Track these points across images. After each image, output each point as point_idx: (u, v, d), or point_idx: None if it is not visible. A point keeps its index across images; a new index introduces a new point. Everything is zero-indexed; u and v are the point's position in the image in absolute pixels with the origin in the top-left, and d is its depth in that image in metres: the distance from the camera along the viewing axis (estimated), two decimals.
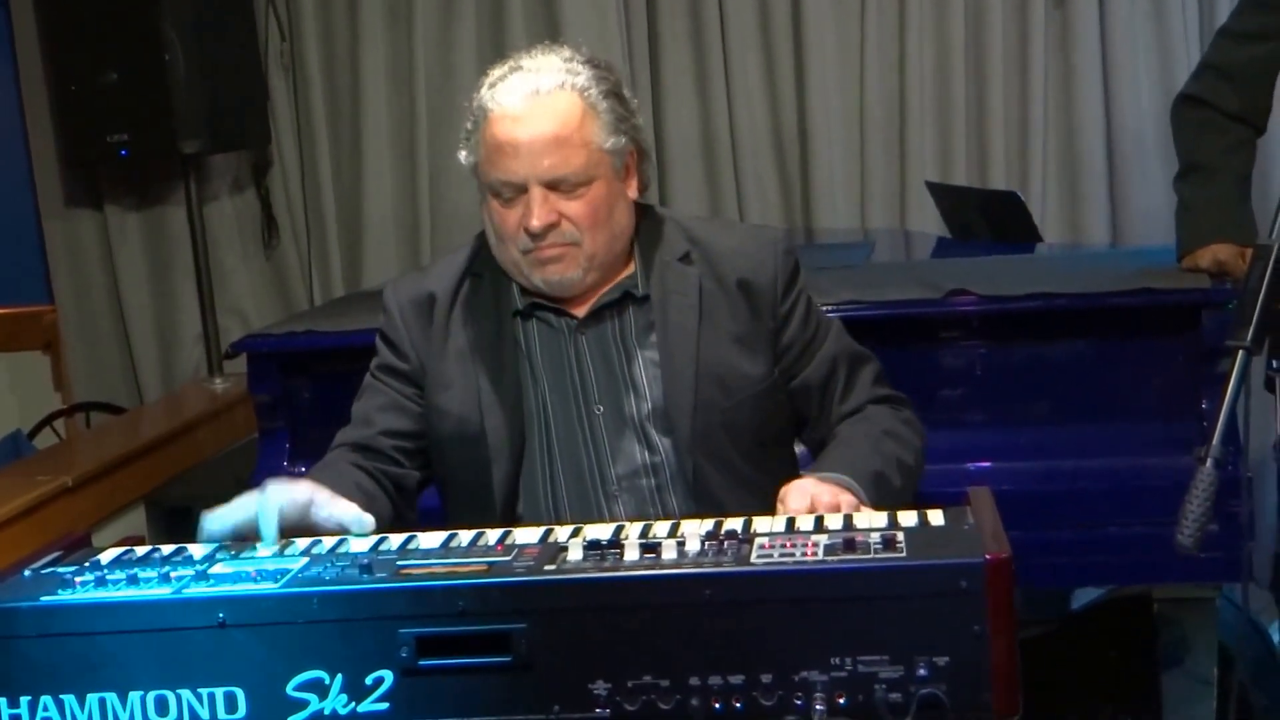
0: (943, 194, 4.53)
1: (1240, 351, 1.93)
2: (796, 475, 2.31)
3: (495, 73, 2.39)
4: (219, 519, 2.06)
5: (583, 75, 2.35)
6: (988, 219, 4.22)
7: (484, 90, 2.37)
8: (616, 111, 2.37)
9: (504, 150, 2.31)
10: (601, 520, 2.36)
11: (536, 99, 2.31)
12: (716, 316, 2.41)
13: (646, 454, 2.39)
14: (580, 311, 2.42)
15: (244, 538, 2.05)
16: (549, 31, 4.88)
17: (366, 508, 2.21)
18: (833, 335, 2.50)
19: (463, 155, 2.41)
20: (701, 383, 2.37)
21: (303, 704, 1.77)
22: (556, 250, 2.35)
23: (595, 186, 2.34)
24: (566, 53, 2.40)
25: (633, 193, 2.43)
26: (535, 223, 2.31)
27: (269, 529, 2.02)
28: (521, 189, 2.32)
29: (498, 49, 4.99)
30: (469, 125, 2.39)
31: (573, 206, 2.33)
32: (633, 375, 2.41)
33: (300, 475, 2.36)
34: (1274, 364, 2.04)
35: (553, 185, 2.32)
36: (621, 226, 2.41)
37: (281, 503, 2.06)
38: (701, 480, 2.37)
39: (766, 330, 2.43)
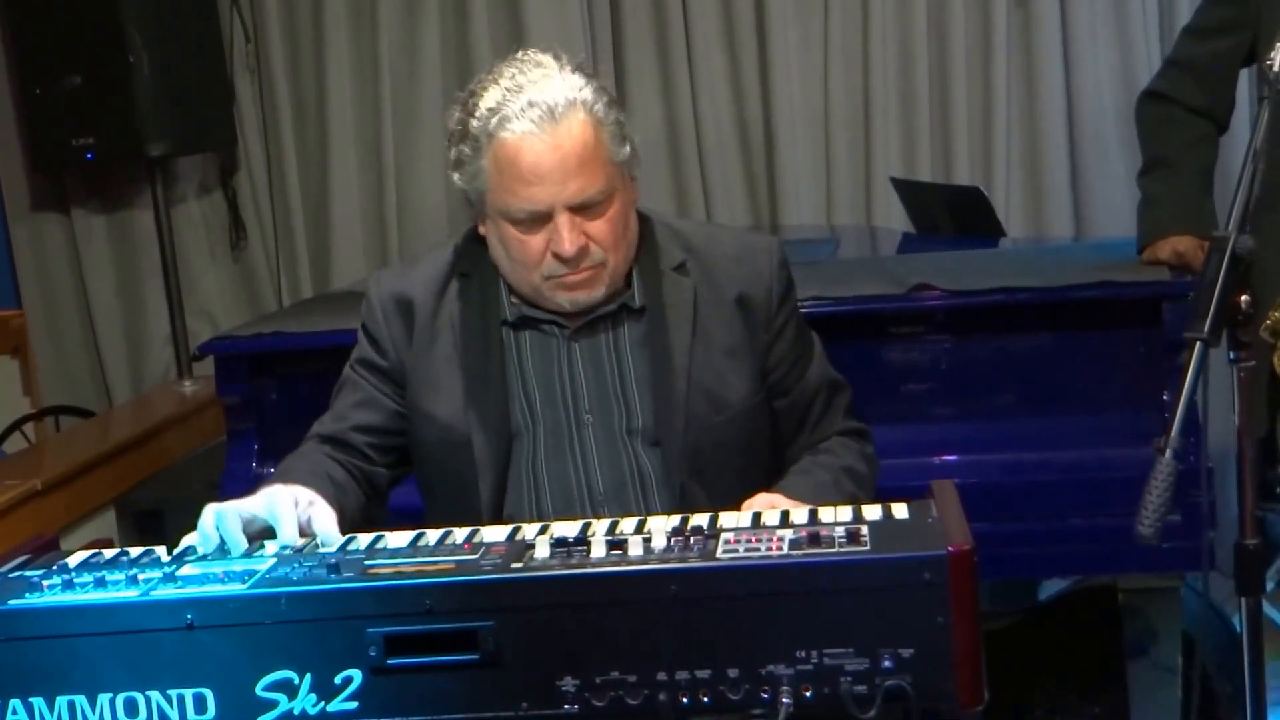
0: (907, 190, 4.55)
1: (1198, 342, 1.95)
2: None
3: (490, 96, 2.25)
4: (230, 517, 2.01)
5: (587, 89, 2.26)
6: (952, 214, 4.24)
7: (484, 117, 2.24)
8: (618, 120, 2.30)
9: (526, 180, 2.22)
10: None
11: (554, 124, 2.21)
12: (710, 329, 2.37)
13: (634, 466, 2.35)
14: (574, 321, 2.36)
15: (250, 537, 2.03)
16: (512, 31, 4.88)
17: (338, 497, 2.22)
18: (817, 359, 2.48)
19: (456, 178, 2.32)
20: (692, 399, 2.33)
21: (272, 704, 1.78)
22: (586, 274, 2.29)
23: (615, 203, 2.28)
24: (556, 62, 2.29)
25: (634, 196, 2.37)
26: (569, 249, 2.24)
27: (288, 529, 2.02)
28: (546, 216, 2.25)
29: (462, 49, 5.00)
30: (466, 150, 2.27)
31: (596, 227, 2.27)
32: (624, 387, 2.36)
33: (270, 474, 2.36)
34: (1232, 355, 2.05)
35: (578, 209, 2.25)
36: (634, 236, 2.36)
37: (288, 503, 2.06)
38: (689, 498, 2.31)
39: (759, 343, 2.39)
